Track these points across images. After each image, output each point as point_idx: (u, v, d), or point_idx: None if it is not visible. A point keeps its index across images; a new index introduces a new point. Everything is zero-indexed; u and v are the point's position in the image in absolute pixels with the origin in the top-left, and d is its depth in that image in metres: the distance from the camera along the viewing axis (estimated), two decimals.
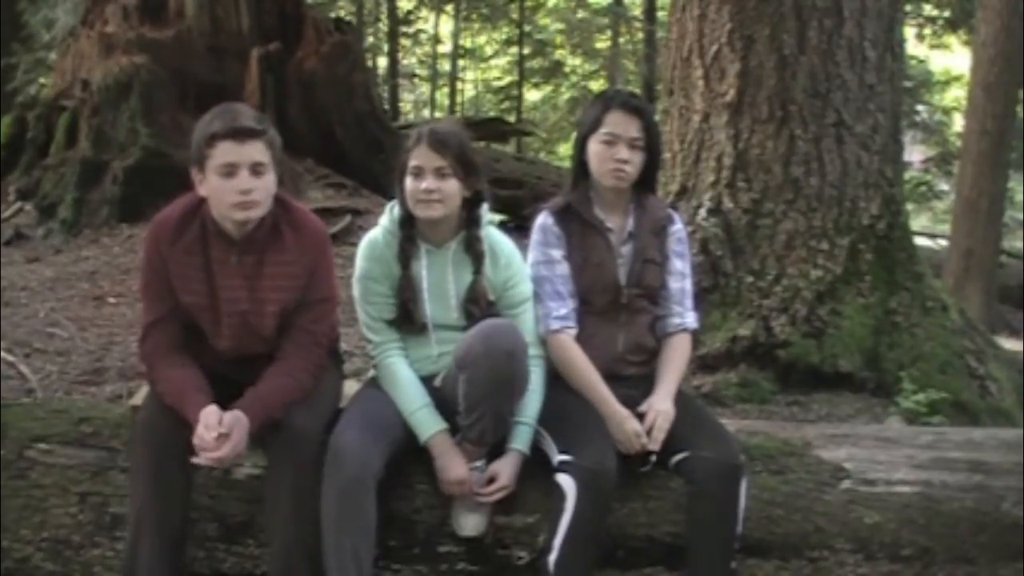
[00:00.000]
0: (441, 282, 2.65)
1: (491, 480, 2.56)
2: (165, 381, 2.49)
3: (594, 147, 2.74)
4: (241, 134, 2.41)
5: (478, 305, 2.64)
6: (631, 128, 2.70)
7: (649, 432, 2.59)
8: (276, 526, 2.47)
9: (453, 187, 2.58)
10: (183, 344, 2.55)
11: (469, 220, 2.67)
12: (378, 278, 2.66)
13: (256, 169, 2.43)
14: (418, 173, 2.58)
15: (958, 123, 14.37)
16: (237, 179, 2.42)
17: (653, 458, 2.62)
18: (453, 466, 2.54)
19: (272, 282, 2.53)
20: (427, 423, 2.58)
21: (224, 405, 2.43)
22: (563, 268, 2.73)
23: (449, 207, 2.60)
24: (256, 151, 2.43)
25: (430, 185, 2.56)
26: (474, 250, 2.65)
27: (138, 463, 2.48)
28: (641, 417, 2.61)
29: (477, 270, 2.65)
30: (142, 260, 2.59)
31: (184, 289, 2.52)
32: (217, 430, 2.36)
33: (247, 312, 2.53)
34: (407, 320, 2.66)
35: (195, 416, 2.40)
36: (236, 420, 2.39)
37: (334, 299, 2.66)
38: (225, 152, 2.41)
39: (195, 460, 2.40)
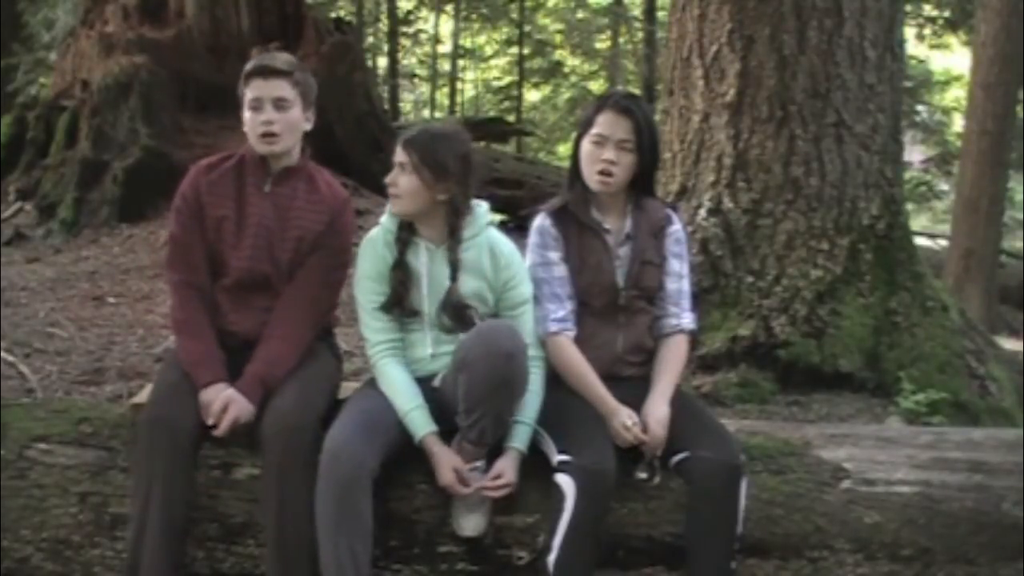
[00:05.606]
0: (440, 280, 2.65)
1: (496, 478, 2.55)
2: (184, 351, 2.67)
3: (584, 147, 2.73)
4: (266, 72, 2.69)
5: (453, 310, 2.62)
6: (619, 129, 2.68)
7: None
8: (270, 522, 2.49)
9: (411, 184, 2.61)
10: (204, 307, 2.70)
11: (452, 227, 2.64)
12: (377, 277, 2.66)
13: (279, 104, 2.68)
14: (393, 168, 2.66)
15: (958, 123, 14.38)
16: (262, 113, 2.67)
17: (657, 479, 2.63)
18: (446, 465, 2.53)
19: (299, 212, 2.73)
20: (419, 424, 2.58)
21: (235, 364, 2.63)
22: (561, 270, 2.72)
23: (410, 204, 2.63)
24: (280, 87, 2.68)
25: (390, 179, 2.65)
26: (452, 256, 2.63)
27: (142, 460, 2.50)
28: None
29: (453, 277, 2.64)
30: (176, 200, 2.76)
31: (214, 205, 2.71)
32: (216, 417, 2.55)
33: (271, 229, 2.71)
34: (397, 304, 2.65)
35: (202, 383, 2.59)
36: (230, 400, 2.56)
37: (346, 253, 2.79)
38: (254, 88, 2.69)
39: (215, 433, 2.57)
